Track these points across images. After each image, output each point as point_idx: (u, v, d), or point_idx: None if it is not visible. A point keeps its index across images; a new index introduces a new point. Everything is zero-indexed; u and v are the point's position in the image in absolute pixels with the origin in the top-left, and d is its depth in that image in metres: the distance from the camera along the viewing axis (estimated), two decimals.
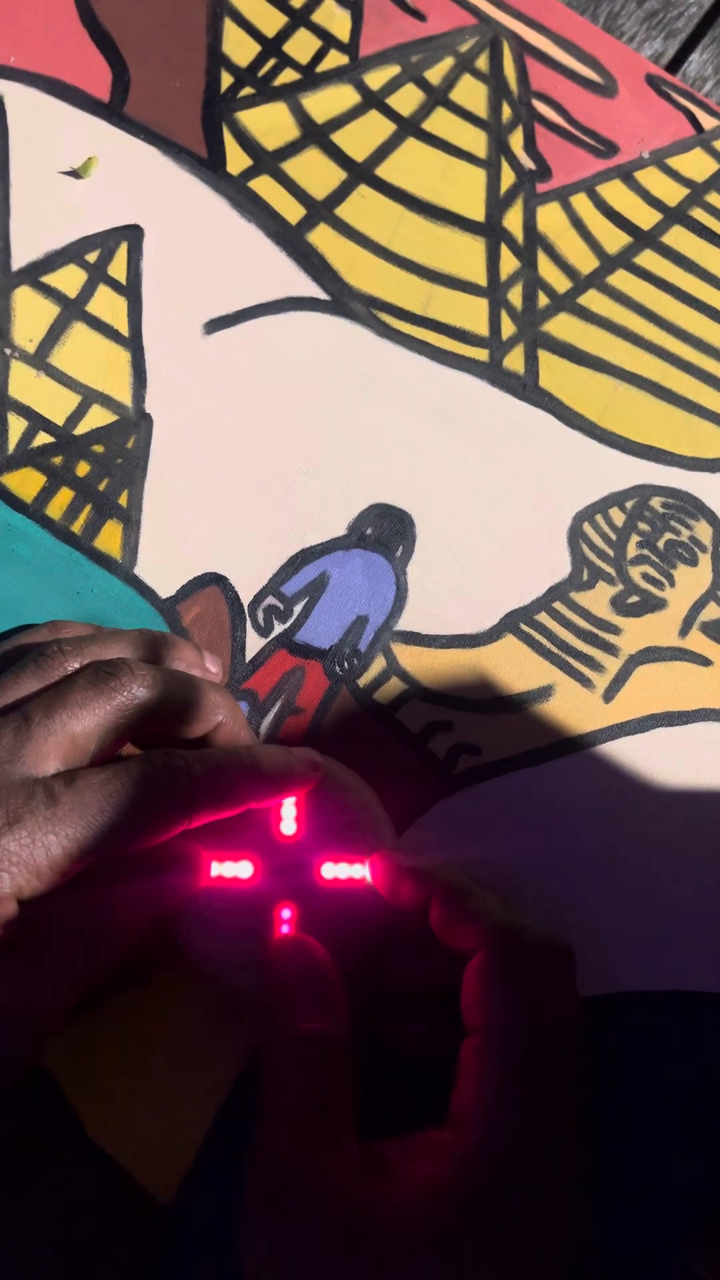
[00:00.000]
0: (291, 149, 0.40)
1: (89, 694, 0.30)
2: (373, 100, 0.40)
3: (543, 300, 0.40)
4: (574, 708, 0.37)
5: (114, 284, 0.38)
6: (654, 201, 0.41)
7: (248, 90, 0.40)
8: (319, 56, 0.40)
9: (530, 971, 0.28)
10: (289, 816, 0.32)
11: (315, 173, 0.40)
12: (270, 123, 0.40)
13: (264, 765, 0.32)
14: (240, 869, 0.31)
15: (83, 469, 0.37)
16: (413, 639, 0.37)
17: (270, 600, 0.37)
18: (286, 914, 0.31)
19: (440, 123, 0.40)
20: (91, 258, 0.38)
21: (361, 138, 0.40)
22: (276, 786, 0.32)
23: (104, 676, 0.30)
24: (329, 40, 0.41)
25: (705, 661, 0.38)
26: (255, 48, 0.40)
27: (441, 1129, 0.27)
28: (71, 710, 0.29)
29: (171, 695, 0.31)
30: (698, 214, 0.41)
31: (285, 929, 0.31)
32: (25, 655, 0.32)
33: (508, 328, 0.39)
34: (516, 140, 0.41)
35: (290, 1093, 0.27)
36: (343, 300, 0.39)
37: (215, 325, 0.39)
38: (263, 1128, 0.27)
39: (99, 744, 0.30)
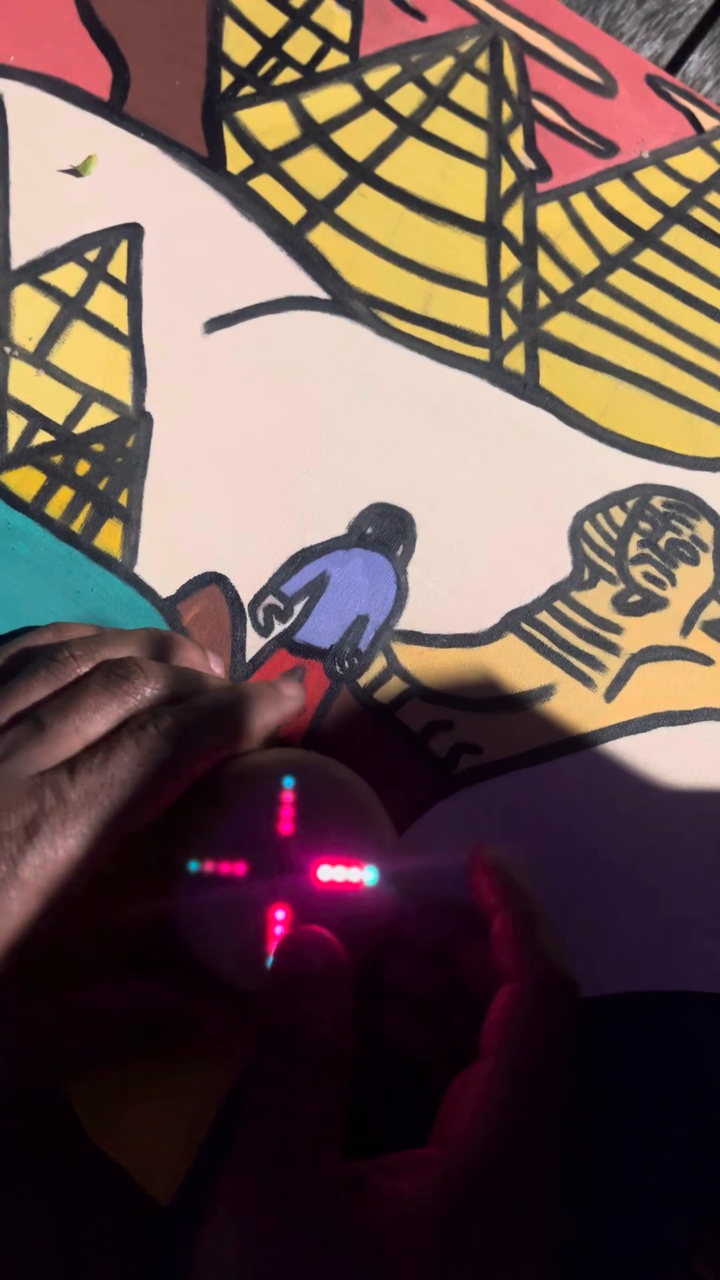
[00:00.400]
0: (292, 148, 0.40)
1: (101, 697, 0.30)
2: (373, 100, 0.40)
3: (543, 300, 0.40)
4: (575, 707, 0.37)
5: (114, 282, 0.38)
6: (654, 201, 0.41)
7: (248, 89, 0.40)
8: (319, 56, 0.40)
9: (563, 1016, 0.28)
10: (287, 817, 0.32)
11: (315, 172, 0.40)
12: (270, 122, 0.40)
13: (250, 698, 0.32)
14: (237, 868, 0.31)
15: (82, 468, 0.37)
16: (413, 638, 0.37)
17: (270, 600, 0.37)
18: (281, 915, 0.31)
19: (440, 122, 0.40)
20: (91, 256, 0.38)
21: (362, 137, 0.40)
22: (265, 717, 0.32)
23: (116, 679, 0.30)
24: (329, 40, 0.40)
25: (707, 661, 0.38)
26: (255, 47, 0.40)
27: (428, 1148, 0.26)
28: (84, 714, 0.30)
29: (182, 693, 0.31)
30: (698, 214, 0.41)
31: (279, 930, 0.31)
32: (31, 658, 0.32)
33: (508, 327, 0.39)
34: (516, 140, 0.41)
35: (288, 1095, 0.27)
36: (343, 299, 0.39)
37: (215, 324, 0.39)
38: (250, 1129, 0.26)
39: None
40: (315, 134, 0.40)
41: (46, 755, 0.29)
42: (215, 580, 0.37)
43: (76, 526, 0.37)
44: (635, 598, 0.38)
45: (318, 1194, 0.25)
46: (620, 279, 0.40)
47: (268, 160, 0.40)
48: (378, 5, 0.41)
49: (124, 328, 0.38)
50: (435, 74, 0.41)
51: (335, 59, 0.40)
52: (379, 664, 0.37)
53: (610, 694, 0.38)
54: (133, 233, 0.39)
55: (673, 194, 0.41)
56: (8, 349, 0.38)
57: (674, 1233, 0.34)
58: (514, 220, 0.40)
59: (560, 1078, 0.27)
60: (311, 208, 0.39)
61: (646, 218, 0.41)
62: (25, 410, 0.37)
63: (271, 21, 0.40)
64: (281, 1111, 0.26)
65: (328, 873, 0.31)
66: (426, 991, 0.32)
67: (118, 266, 0.38)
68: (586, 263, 0.40)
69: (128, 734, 0.29)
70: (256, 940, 0.31)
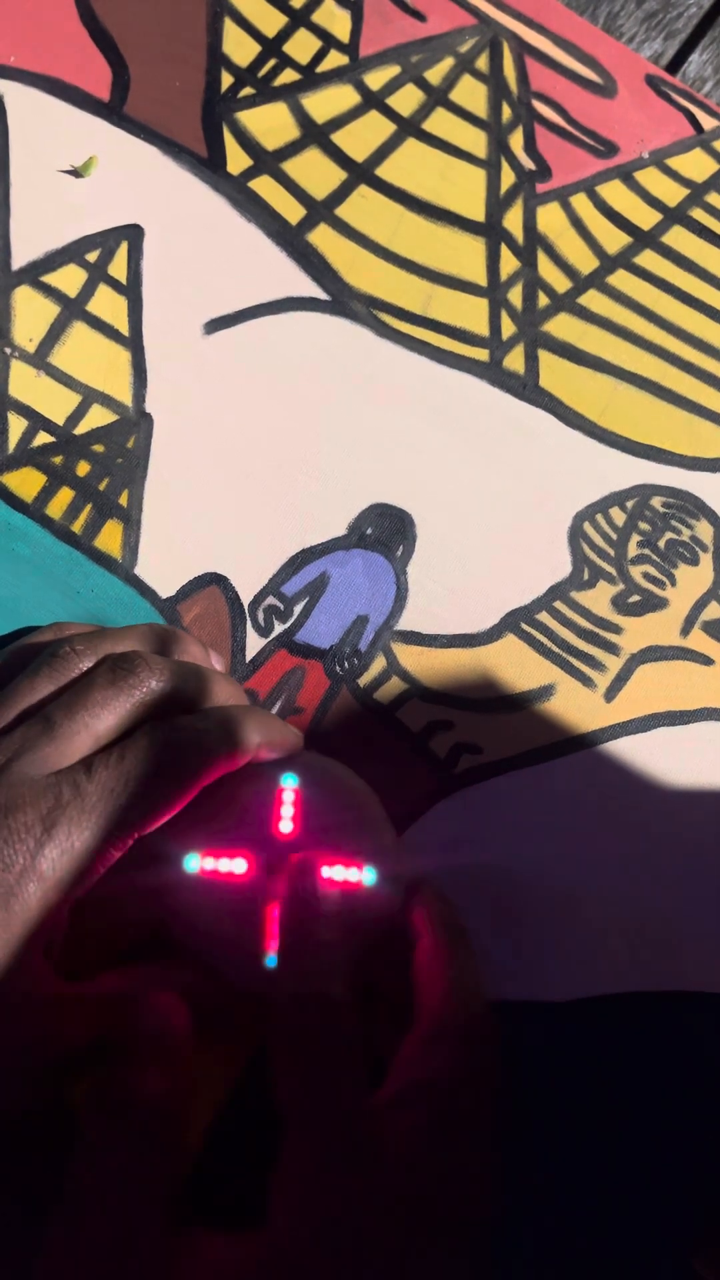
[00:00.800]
0: (291, 149, 0.40)
1: (108, 692, 0.30)
2: (373, 100, 0.40)
3: (543, 300, 0.40)
4: (575, 707, 0.37)
5: (114, 283, 0.38)
6: (654, 202, 0.41)
7: (248, 90, 0.40)
8: (319, 57, 0.40)
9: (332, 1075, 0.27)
10: (287, 815, 0.32)
11: (315, 173, 0.40)
12: (270, 123, 0.40)
13: (263, 716, 0.32)
14: (235, 865, 0.31)
15: (83, 468, 0.37)
16: (413, 638, 0.37)
17: (270, 600, 0.37)
18: (279, 913, 0.31)
19: (440, 123, 0.40)
20: (92, 257, 0.38)
21: (361, 138, 0.40)
22: (277, 737, 0.32)
23: (121, 673, 0.30)
24: (329, 40, 0.40)
25: (707, 661, 0.38)
26: (255, 48, 0.40)
27: (261, 1230, 0.25)
28: (93, 710, 0.30)
29: (186, 687, 0.31)
30: (697, 214, 0.41)
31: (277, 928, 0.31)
32: (34, 657, 0.32)
33: (508, 328, 0.40)
34: (516, 140, 0.41)
35: (112, 1156, 0.26)
36: (343, 300, 0.39)
37: (215, 325, 0.39)
38: (75, 1185, 0.26)
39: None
40: (315, 135, 0.40)
41: (58, 753, 0.29)
42: (215, 581, 0.37)
43: (77, 527, 0.37)
44: (635, 598, 0.38)
45: (145, 1258, 0.24)
46: (620, 279, 0.40)
47: (268, 161, 0.40)
48: (378, 6, 0.41)
49: (124, 329, 0.38)
50: (435, 74, 0.41)
51: (335, 59, 0.40)
52: (379, 664, 0.37)
53: (610, 694, 0.38)
54: (133, 234, 0.39)
55: (672, 194, 0.41)
56: (8, 350, 0.38)
57: (674, 1233, 0.34)
58: (514, 221, 0.40)
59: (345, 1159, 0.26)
60: (311, 208, 0.39)
61: (646, 218, 0.41)
62: (26, 411, 0.37)
63: (271, 22, 0.40)
64: (107, 1178, 0.26)
65: (328, 872, 0.32)
66: None
67: (118, 267, 0.38)
68: (586, 263, 0.40)
69: (144, 734, 0.29)
70: (256, 939, 0.31)
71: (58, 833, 0.27)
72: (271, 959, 0.30)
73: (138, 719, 0.30)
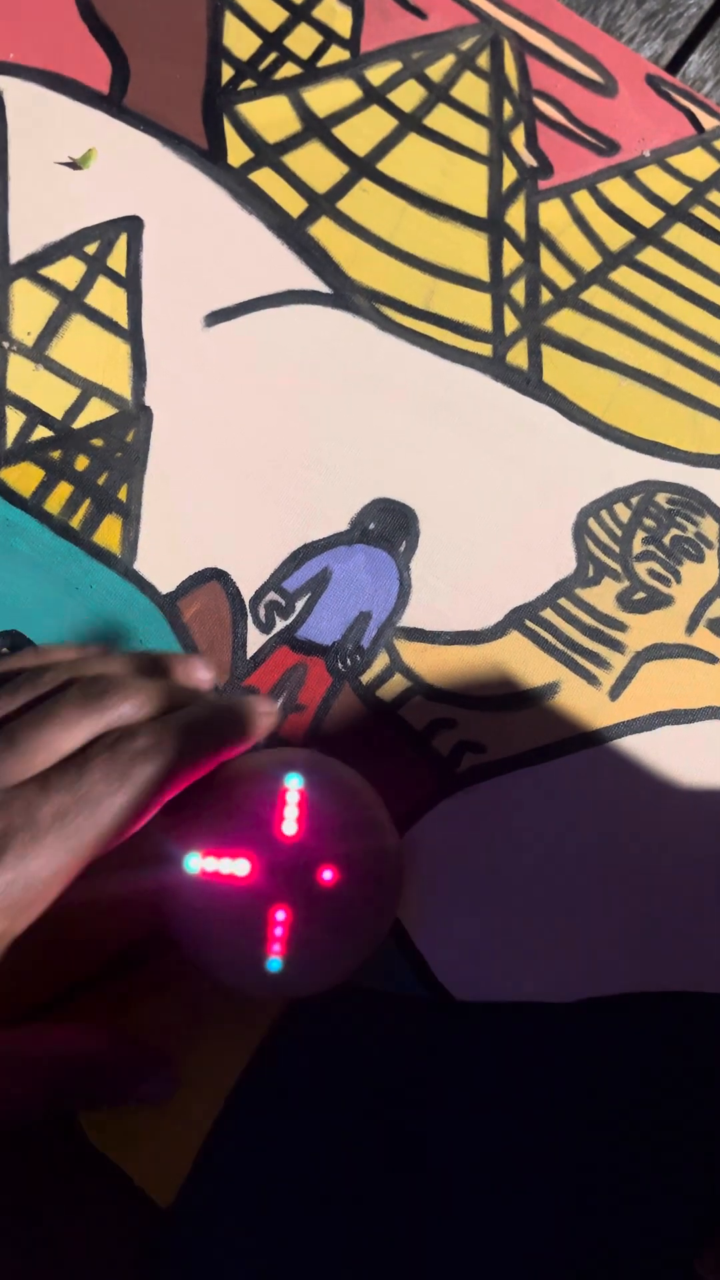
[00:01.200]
0: (293, 142, 0.40)
1: (75, 712, 0.29)
2: (374, 95, 0.40)
3: (545, 296, 0.40)
4: (580, 705, 0.37)
5: (113, 276, 0.38)
6: (655, 199, 0.41)
7: (248, 83, 0.40)
8: (320, 51, 0.40)
9: None
10: (290, 816, 0.32)
11: (317, 166, 0.39)
12: (271, 116, 0.40)
13: (222, 717, 0.31)
14: (238, 866, 0.31)
15: (82, 463, 0.37)
16: (416, 635, 0.37)
17: (272, 596, 0.37)
18: (281, 915, 0.31)
19: (442, 119, 0.40)
20: (91, 250, 0.38)
21: (363, 132, 0.40)
22: (240, 734, 0.31)
23: (93, 695, 0.29)
24: (330, 36, 0.40)
25: (712, 659, 0.38)
26: (256, 41, 0.40)
27: None
28: (55, 729, 0.28)
29: (162, 713, 0.30)
30: (699, 212, 0.41)
31: (279, 931, 0.31)
32: (10, 678, 0.31)
33: (511, 323, 0.39)
34: (518, 137, 0.41)
35: None
36: (344, 294, 0.39)
37: (216, 318, 0.38)
38: None
39: None
40: (316, 128, 0.40)
41: (18, 767, 0.28)
42: (216, 576, 0.37)
43: (75, 522, 0.37)
44: (640, 595, 0.38)
45: None
46: (622, 276, 0.40)
47: (269, 154, 0.39)
48: (378, 3, 0.41)
49: (123, 321, 0.38)
50: (436, 71, 0.41)
51: (336, 55, 0.40)
52: (381, 661, 0.37)
53: (615, 692, 0.38)
54: (132, 226, 0.38)
55: (674, 192, 0.41)
56: (6, 344, 0.37)
57: (674, 1233, 0.34)
58: (516, 216, 0.40)
59: None
60: (313, 202, 0.39)
61: (648, 215, 0.41)
62: (24, 405, 0.37)
63: (272, 17, 0.40)
64: None
65: (329, 874, 0.31)
66: None
67: (117, 260, 0.38)
68: (589, 259, 0.40)
69: (99, 752, 0.28)
70: (256, 941, 0.30)
71: (8, 857, 0.26)
72: (273, 962, 0.30)
73: None
